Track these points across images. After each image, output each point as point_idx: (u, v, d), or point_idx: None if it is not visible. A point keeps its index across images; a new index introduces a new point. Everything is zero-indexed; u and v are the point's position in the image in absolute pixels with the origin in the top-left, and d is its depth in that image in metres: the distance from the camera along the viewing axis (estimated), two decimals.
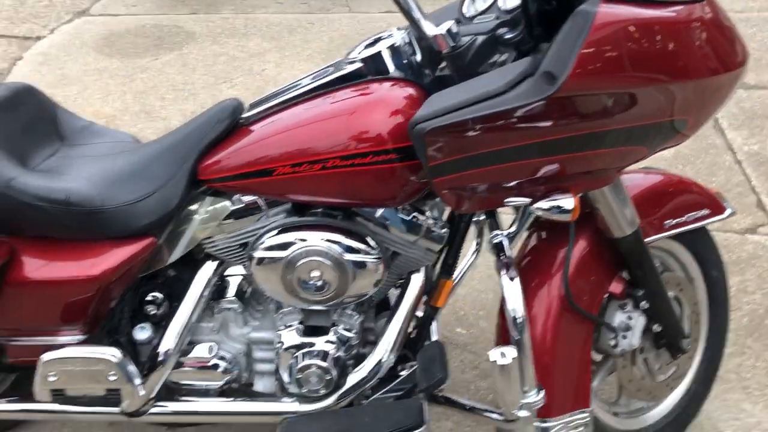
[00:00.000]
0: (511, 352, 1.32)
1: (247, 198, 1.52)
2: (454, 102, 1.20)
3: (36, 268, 1.50)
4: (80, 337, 1.57)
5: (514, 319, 1.35)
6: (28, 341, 1.57)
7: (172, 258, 1.57)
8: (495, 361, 1.32)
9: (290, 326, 1.60)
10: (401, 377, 1.60)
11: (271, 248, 1.49)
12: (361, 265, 1.48)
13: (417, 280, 1.59)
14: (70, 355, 1.52)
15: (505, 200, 1.34)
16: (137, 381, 1.54)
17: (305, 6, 4.53)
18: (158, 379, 1.58)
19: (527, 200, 1.33)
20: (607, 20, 1.13)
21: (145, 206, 1.50)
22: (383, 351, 1.57)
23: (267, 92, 1.60)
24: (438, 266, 1.63)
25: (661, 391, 1.71)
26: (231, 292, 1.63)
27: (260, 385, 1.68)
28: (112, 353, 1.52)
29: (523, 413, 1.37)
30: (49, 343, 1.56)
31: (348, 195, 1.44)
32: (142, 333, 1.61)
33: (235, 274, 1.64)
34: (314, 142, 1.40)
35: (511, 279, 1.36)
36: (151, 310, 1.63)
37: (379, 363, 1.57)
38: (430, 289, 1.62)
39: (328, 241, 1.47)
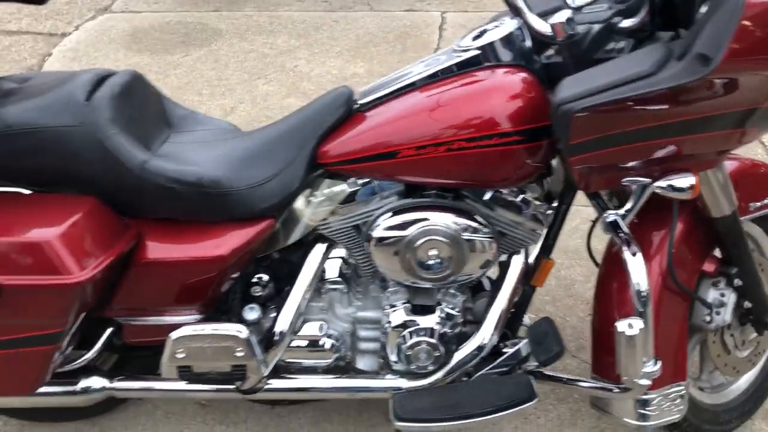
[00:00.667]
0: (638, 323, 1.39)
1: (363, 181, 1.59)
2: (601, 83, 1.28)
3: (162, 249, 1.54)
4: (197, 317, 1.62)
5: (639, 292, 1.42)
6: (146, 321, 1.62)
7: (291, 240, 1.63)
8: (623, 332, 1.40)
9: (397, 305, 1.66)
10: (505, 354, 1.66)
11: (391, 228, 1.55)
12: (477, 244, 1.55)
13: (518, 261, 1.66)
14: (200, 332, 1.57)
15: (625, 179, 1.42)
16: (260, 358, 1.60)
17: (326, 4, 4.58)
18: (274, 357, 1.63)
19: (647, 179, 1.41)
20: (758, 2, 1.20)
21: (267, 189, 1.55)
22: (488, 330, 1.64)
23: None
24: (537, 246, 1.70)
25: (743, 366, 1.80)
26: (334, 273, 1.69)
27: (362, 363, 1.73)
28: (239, 330, 1.58)
29: (644, 381, 1.45)
30: (167, 323, 1.61)
31: (468, 176, 1.51)
32: (251, 313, 1.67)
33: (335, 257, 1.70)
34: (439, 125, 1.47)
35: (633, 255, 1.43)
36: (257, 291, 1.69)
37: (484, 341, 1.64)
38: (529, 269, 1.69)
39: (447, 221, 1.53)
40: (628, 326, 1.39)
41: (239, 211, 1.55)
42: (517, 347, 1.66)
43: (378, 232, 1.55)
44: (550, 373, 1.70)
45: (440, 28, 4.25)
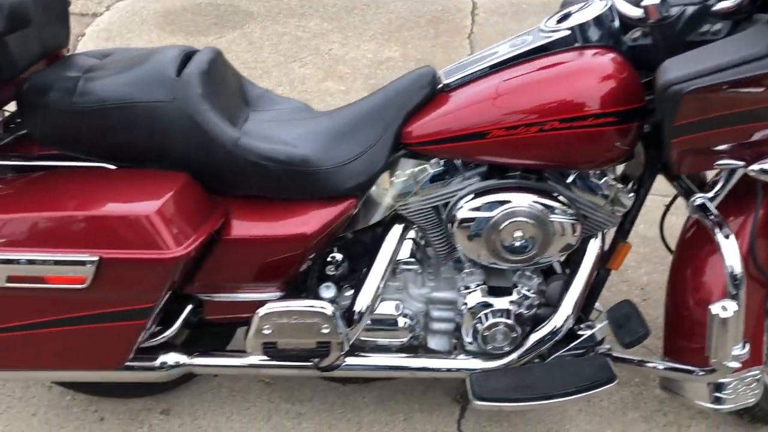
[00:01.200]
0: (732, 306, 1.40)
1: (445, 161, 1.59)
2: (712, 64, 1.28)
3: (247, 227, 1.55)
4: (277, 294, 1.63)
5: (733, 275, 1.43)
6: (227, 298, 1.63)
7: (372, 220, 1.63)
8: (717, 314, 1.41)
9: (474, 287, 1.67)
10: (582, 337, 1.67)
11: (476, 209, 1.55)
12: (562, 226, 1.55)
13: (595, 245, 1.66)
14: (287, 308, 1.57)
15: (719, 162, 1.43)
16: (345, 335, 1.60)
17: None
18: (354, 334, 1.64)
19: (741, 162, 1.42)
20: None
21: (352, 168, 1.55)
22: (565, 312, 1.65)
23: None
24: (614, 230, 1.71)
25: None
26: (407, 253, 1.69)
27: (433, 342, 1.74)
28: (325, 307, 1.58)
29: (733, 364, 1.46)
30: (248, 300, 1.61)
31: (557, 157, 1.51)
32: (327, 292, 1.67)
33: (409, 238, 1.70)
34: (531, 105, 1.47)
35: (726, 237, 1.44)
36: (332, 270, 1.70)
37: (560, 324, 1.65)
38: (606, 252, 1.69)
39: (534, 202, 1.54)
40: (722, 309, 1.40)
41: (325, 190, 1.55)
42: (594, 330, 1.67)
43: (462, 213, 1.56)
44: (623, 356, 1.71)
45: (472, 13, 4.24)
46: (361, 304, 1.63)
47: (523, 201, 1.54)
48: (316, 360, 1.64)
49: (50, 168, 1.53)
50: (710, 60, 1.29)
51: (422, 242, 1.71)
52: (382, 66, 3.74)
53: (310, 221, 1.56)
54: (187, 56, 1.57)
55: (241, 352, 1.67)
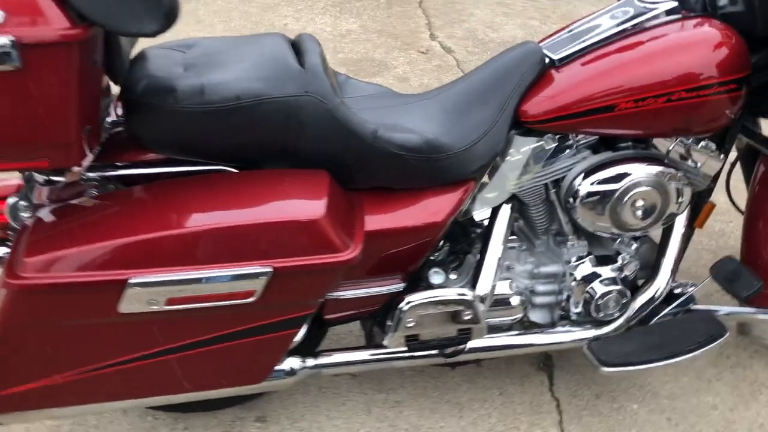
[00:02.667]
0: None
1: (559, 137, 1.59)
2: None
3: (379, 220, 1.48)
4: (401, 285, 1.58)
5: None
6: (351, 294, 1.56)
7: (495, 202, 1.62)
8: None
9: (582, 258, 1.70)
10: (684, 296, 1.75)
11: (601, 183, 1.57)
12: (677, 190, 1.61)
13: (687, 207, 1.74)
14: (433, 298, 1.54)
15: None
16: (484, 319, 1.59)
17: None
18: (484, 317, 1.63)
19: None
20: None
21: (475, 151, 1.53)
22: (665, 274, 1.73)
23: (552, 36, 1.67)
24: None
25: None
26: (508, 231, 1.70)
27: (535, 316, 1.77)
28: (465, 293, 1.56)
29: None
30: (372, 294, 1.56)
31: (679, 126, 1.56)
32: (437, 277, 1.64)
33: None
34: (657, 76, 1.50)
35: None
36: (436, 255, 1.67)
37: (662, 285, 1.72)
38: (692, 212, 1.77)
39: (651, 171, 1.58)
40: None
41: (450, 175, 1.52)
42: (697, 287, 1.75)
43: (586, 187, 1.58)
44: (710, 308, 1.81)
45: None
46: (484, 286, 1.62)
47: (643, 171, 1.58)
48: (448, 348, 1.62)
49: (165, 175, 1.39)
50: None
51: (519, 219, 1.72)
52: (345, 39, 3.66)
53: (439, 208, 1.52)
54: (292, 45, 1.47)
55: (359, 349, 1.63)
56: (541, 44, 1.64)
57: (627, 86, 1.51)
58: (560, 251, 1.72)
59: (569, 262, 1.71)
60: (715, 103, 1.52)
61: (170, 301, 1.27)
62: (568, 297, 1.71)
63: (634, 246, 1.74)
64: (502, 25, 3.92)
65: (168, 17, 1.18)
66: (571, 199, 1.60)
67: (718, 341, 1.67)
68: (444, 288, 1.58)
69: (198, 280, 1.26)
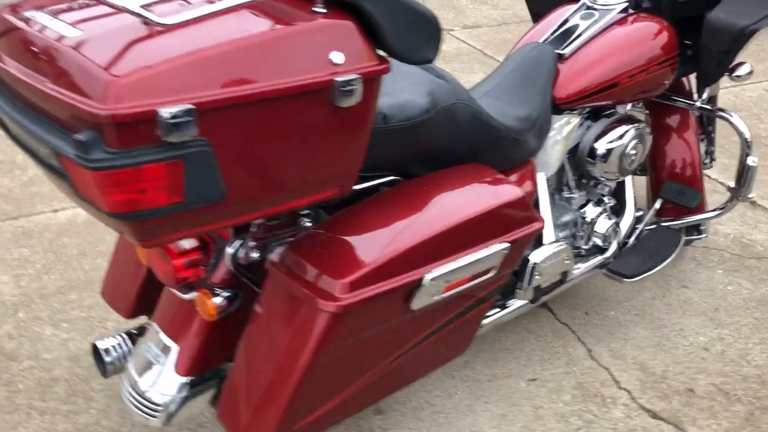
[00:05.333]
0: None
1: (578, 112, 2.05)
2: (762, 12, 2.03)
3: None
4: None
5: None
6: None
7: (549, 173, 2.01)
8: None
9: (584, 205, 2.18)
10: (644, 219, 2.34)
11: (611, 141, 2.07)
12: (647, 138, 2.18)
13: None
14: (557, 250, 1.86)
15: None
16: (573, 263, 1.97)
17: None
18: None
19: None
20: None
21: (536, 133, 1.90)
22: (631, 204, 2.31)
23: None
24: None
25: None
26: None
27: None
28: (564, 244, 1.92)
29: None
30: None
31: (650, 90, 2.12)
32: (547, 236, 1.98)
33: None
34: (642, 57, 2.03)
35: None
36: None
37: (632, 213, 2.30)
38: None
39: (639, 126, 2.13)
40: None
41: (523, 155, 1.87)
42: (653, 209, 2.36)
43: (603, 147, 2.06)
44: (667, 223, 2.42)
45: None
46: (549, 234, 2.00)
47: (633, 128, 2.11)
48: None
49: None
50: (751, 8, 2.04)
51: None
52: None
53: (525, 185, 1.87)
54: None
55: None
56: (545, 39, 2.07)
57: (623, 67, 2.02)
58: (569, 203, 2.18)
59: (577, 209, 2.18)
60: (668, 73, 2.12)
61: (446, 289, 1.43)
62: (580, 236, 2.19)
63: (607, 189, 2.28)
64: None
65: (439, 45, 1.34)
66: (590, 158, 2.08)
67: (680, 244, 2.31)
68: (557, 243, 1.94)
69: (468, 266, 1.44)
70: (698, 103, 2.30)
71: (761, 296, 2.60)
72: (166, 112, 1.02)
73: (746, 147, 2.23)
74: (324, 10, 1.19)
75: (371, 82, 1.22)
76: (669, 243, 2.29)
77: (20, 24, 1.20)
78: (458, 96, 1.61)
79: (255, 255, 1.44)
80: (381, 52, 1.26)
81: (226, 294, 1.45)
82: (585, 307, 2.46)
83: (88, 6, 1.24)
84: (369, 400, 1.52)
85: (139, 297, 1.75)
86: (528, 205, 1.58)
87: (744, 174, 2.23)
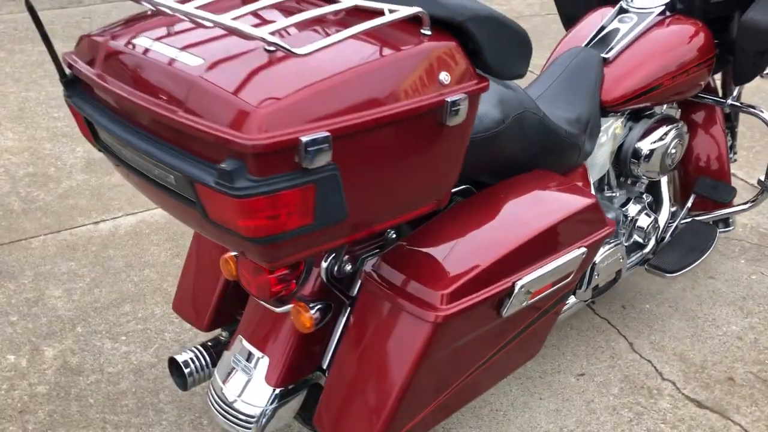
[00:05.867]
0: None
1: (621, 114, 2.12)
2: None
3: None
4: None
5: None
6: None
7: (598, 175, 2.08)
8: None
9: (626, 203, 2.26)
10: (680, 215, 2.43)
11: (654, 142, 2.15)
12: (684, 140, 2.27)
13: None
14: (611, 250, 1.94)
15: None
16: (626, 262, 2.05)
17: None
18: None
19: None
20: None
21: (588, 137, 1.98)
22: (667, 200, 2.40)
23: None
24: None
25: None
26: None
27: None
28: (620, 241, 2.00)
29: None
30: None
31: (688, 90, 2.19)
32: None
33: None
34: (681, 59, 2.10)
35: None
36: None
37: (668, 208, 2.39)
38: None
39: (679, 125, 2.21)
40: None
41: (581, 157, 1.95)
42: (687, 204, 2.44)
43: (647, 147, 2.14)
44: (700, 217, 2.52)
45: None
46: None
47: (672, 129, 2.19)
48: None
49: None
50: None
51: None
52: None
53: (587, 185, 1.95)
54: None
55: None
56: (588, 44, 2.14)
57: (665, 69, 2.09)
58: (611, 202, 2.26)
59: (619, 207, 2.26)
60: (705, 74, 2.20)
61: (533, 296, 1.50)
62: (622, 233, 2.27)
63: (644, 186, 2.36)
64: None
65: (529, 60, 1.40)
66: (634, 159, 2.16)
67: (716, 238, 2.40)
68: (612, 243, 2.02)
69: (552, 272, 1.52)
70: (729, 101, 2.38)
71: None
72: (307, 139, 1.07)
73: None
74: (430, 33, 1.25)
75: (473, 99, 1.28)
76: (705, 236, 2.38)
77: (135, 51, 1.23)
78: (525, 104, 1.67)
79: (348, 268, 1.50)
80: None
81: (319, 306, 1.50)
82: (621, 301, 2.55)
83: (189, 30, 1.28)
84: (455, 407, 1.59)
85: (217, 310, 1.79)
86: (600, 210, 1.65)
87: None
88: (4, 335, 2.21)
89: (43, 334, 2.24)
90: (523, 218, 1.53)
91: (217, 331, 1.86)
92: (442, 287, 1.37)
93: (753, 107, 2.37)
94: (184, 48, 1.22)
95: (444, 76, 1.24)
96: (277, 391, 1.58)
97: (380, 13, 1.23)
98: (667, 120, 2.22)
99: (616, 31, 2.15)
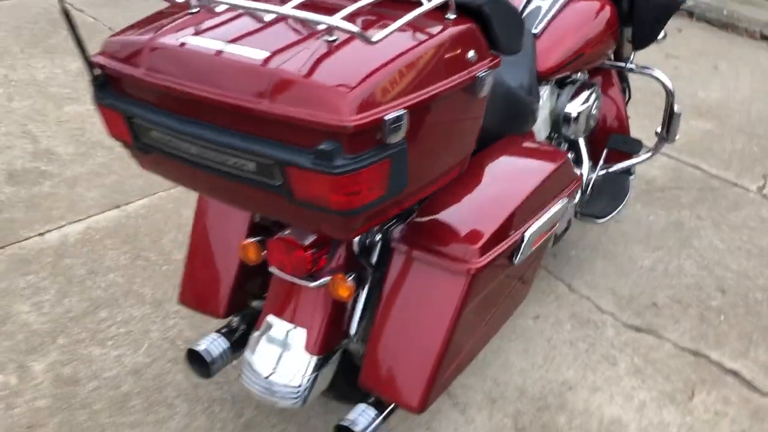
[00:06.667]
0: None
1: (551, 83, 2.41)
2: None
3: None
4: None
5: None
6: None
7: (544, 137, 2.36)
8: None
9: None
10: (598, 166, 2.78)
11: (582, 104, 2.45)
12: (601, 99, 2.60)
13: None
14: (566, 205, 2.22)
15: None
16: None
17: None
18: None
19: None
20: None
21: (537, 104, 2.24)
22: (587, 155, 2.73)
23: None
24: None
25: None
26: None
27: None
28: None
29: None
30: None
31: (606, 53, 2.51)
32: None
33: None
34: (600, 28, 2.40)
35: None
36: None
37: (589, 162, 2.73)
38: None
39: (597, 90, 2.53)
40: None
41: (532, 123, 2.21)
42: (602, 157, 2.79)
43: (575, 109, 2.44)
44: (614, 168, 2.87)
45: None
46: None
47: (594, 91, 2.51)
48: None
49: None
50: None
51: None
52: None
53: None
54: None
55: None
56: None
57: (586, 39, 2.39)
58: None
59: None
60: (613, 42, 2.53)
61: (534, 243, 1.75)
62: None
63: (566, 146, 2.68)
64: None
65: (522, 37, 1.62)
66: (565, 122, 2.46)
67: (631, 184, 2.77)
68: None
69: (549, 220, 1.78)
70: (631, 65, 2.75)
71: (675, 220, 3.16)
72: (390, 117, 1.23)
73: (671, 97, 2.70)
74: (454, 16, 1.44)
75: (492, 74, 1.49)
76: (621, 184, 2.75)
77: (191, 48, 1.32)
78: (496, 76, 1.89)
79: (377, 238, 1.67)
80: None
81: (353, 276, 1.66)
82: (550, 251, 2.88)
83: (225, 23, 1.39)
84: (473, 356, 1.81)
85: (234, 295, 1.88)
86: (571, 165, 1.92)
87: (671, 120, 2.70)
88: None
89: (24, 350, 2.21)
90: (521, 177, 1.77)
91: (216, 322, 1.94)
92: (474, 242, 1.58)
93: (648, 68, 2.75)
94: (234, 41, 1.33)
95: (472, 55, 1.45)
96: (317, 359, 1.71)
97: (415, 2, 1.40)
98: (586, 85, 2.54)
99: (539, 8, 2.42)
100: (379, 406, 1.70)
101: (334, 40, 1.29)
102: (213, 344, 1.85)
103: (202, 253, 1.94)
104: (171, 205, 2.91)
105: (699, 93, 4.44)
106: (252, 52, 1.29)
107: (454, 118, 1.46)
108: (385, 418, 1.69)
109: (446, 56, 1.38)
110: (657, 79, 2.71)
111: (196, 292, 1.95)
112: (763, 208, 3.31)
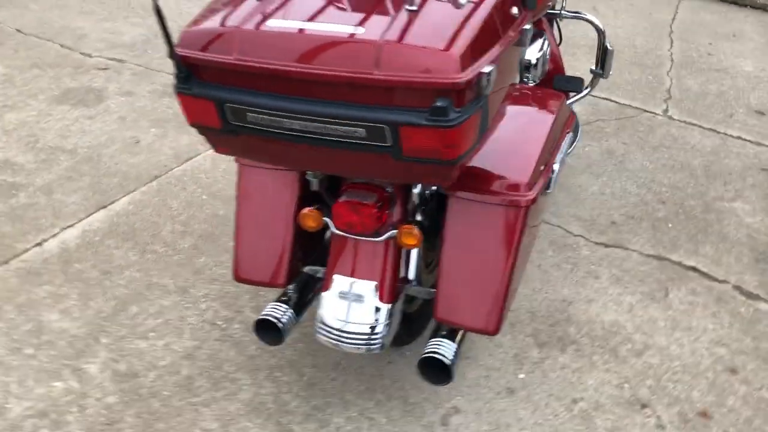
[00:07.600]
0: None
1: None
2: None
3: None
4: None
5: None
6: None
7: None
8: None
9: None
10: None
11: (538, 51, 2.75)
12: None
13: None
14: None
15: None
16: None
17: None
18: None
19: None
20: None
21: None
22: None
23: None
24: None
25: None
26: None
27: None
28: None
29: None
30: None
31: (547, 8, 2.82)
32: None
33: None
34: None
35: None
36: None
37: None
38: None
39: (547, 37, 2.84)
40: None
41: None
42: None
43: (533, 55, 2.73)
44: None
45: None
46: None
47: (545, 38, 2.81)
48: None
49: None
50: None
51: None
52: None
53: None
54: None
55: None
56: None
57: None
58: None
59: None
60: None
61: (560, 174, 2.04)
62: None
63: None
64: None
65: None
66: (527, 68, 2.74)
67: (578, 121, 3.11)
68: None
69: (564, 154, 2.06)
70: (563, 12, 3.07)
71: (607, 148, 3.58)
72: (487, 71, 1.45)
73: (603, 37, 3.05)
74: None
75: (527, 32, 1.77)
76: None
77: (291, 30, 1.48)
78: None
79: (434, 187, 1.90)
80: None
81: (418, 226, 1.87)
82: None
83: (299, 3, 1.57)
84: (519, 282, 2.07)
85: (291, 264, 2.03)
86: (566, 102, 2.21)
87: (604, 57, 3.06)
88: (32, 368, 2.19)
89: (72, 355, 2.24)
90: (537, 118, 2.05)
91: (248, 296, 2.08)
92: (524, 178, 1.84)
93: (580, 12, 3.09)
94: (316, 19, 1.51)
95: (516, 12, 1.70)
96: (388, 306, 1.92)
97: None
98: (537, 34, 2.84)
99: None
100: (452, 335, 1.94)
101: (414, 9, 1.48)
102: (279, 312, 2.01)
103: (254, 229, 2.07)
104: (156, 198, 2.95)
105: (590, 34, 4.89)
106: (343, 28, 1.46)
107: (510, 66, 1.70)
108: (459, 346, 1.94)
109: (506, 14, 1.62)
110: (588, 20, 3.05)
111: (254, 266, 2.07)
112: (672, 128, 3.80)
